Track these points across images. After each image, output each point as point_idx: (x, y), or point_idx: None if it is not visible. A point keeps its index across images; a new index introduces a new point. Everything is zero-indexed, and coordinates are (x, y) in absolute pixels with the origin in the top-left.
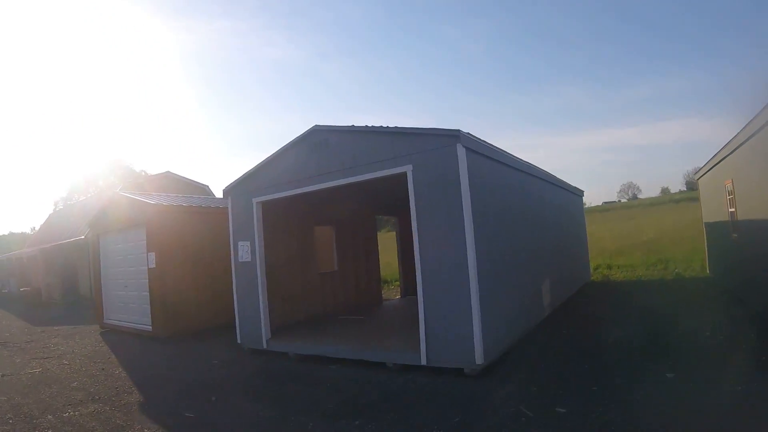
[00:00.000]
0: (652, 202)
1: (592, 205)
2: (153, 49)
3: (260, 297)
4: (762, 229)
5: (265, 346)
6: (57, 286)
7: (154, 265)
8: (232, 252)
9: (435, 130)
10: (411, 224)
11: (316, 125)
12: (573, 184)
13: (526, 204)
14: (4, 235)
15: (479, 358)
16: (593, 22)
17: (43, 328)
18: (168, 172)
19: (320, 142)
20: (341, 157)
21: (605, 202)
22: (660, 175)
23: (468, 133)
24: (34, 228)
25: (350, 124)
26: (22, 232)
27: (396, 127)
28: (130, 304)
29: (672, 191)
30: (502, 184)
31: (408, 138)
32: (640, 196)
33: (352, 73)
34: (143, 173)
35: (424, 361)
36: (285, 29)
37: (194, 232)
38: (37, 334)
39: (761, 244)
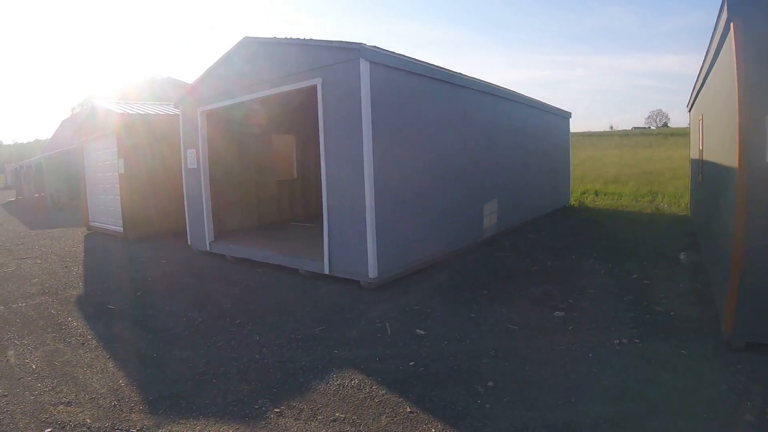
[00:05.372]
0: (673, 133)
1: (618, 129)
2: None
3: (204, 202)
4: (713, 176)
5: (208, 248)
6: (65, 191)
7: (123, 171)
8: (182, 159)
9: (340, 43)
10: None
11: (246, 36)
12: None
13: (463, 122)
14: (29, 143)
15: (372, 272)
16: None
17: (38, 231)
18: (170, 77)
19: (251, 54)
20: (268, 69)
21: (635, 127)
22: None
23: (375, 47)
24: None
25: (275, 36)
26: (46, 139)
27: (308, 39)
28: (108, 208)
29: None
30: (426, 101)
31: (317, 51)
32: (670, 125)
33: None
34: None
35: (327, 271)
36: None
37: (160, 140)
38: (30, 237)
39: (712, 192)
